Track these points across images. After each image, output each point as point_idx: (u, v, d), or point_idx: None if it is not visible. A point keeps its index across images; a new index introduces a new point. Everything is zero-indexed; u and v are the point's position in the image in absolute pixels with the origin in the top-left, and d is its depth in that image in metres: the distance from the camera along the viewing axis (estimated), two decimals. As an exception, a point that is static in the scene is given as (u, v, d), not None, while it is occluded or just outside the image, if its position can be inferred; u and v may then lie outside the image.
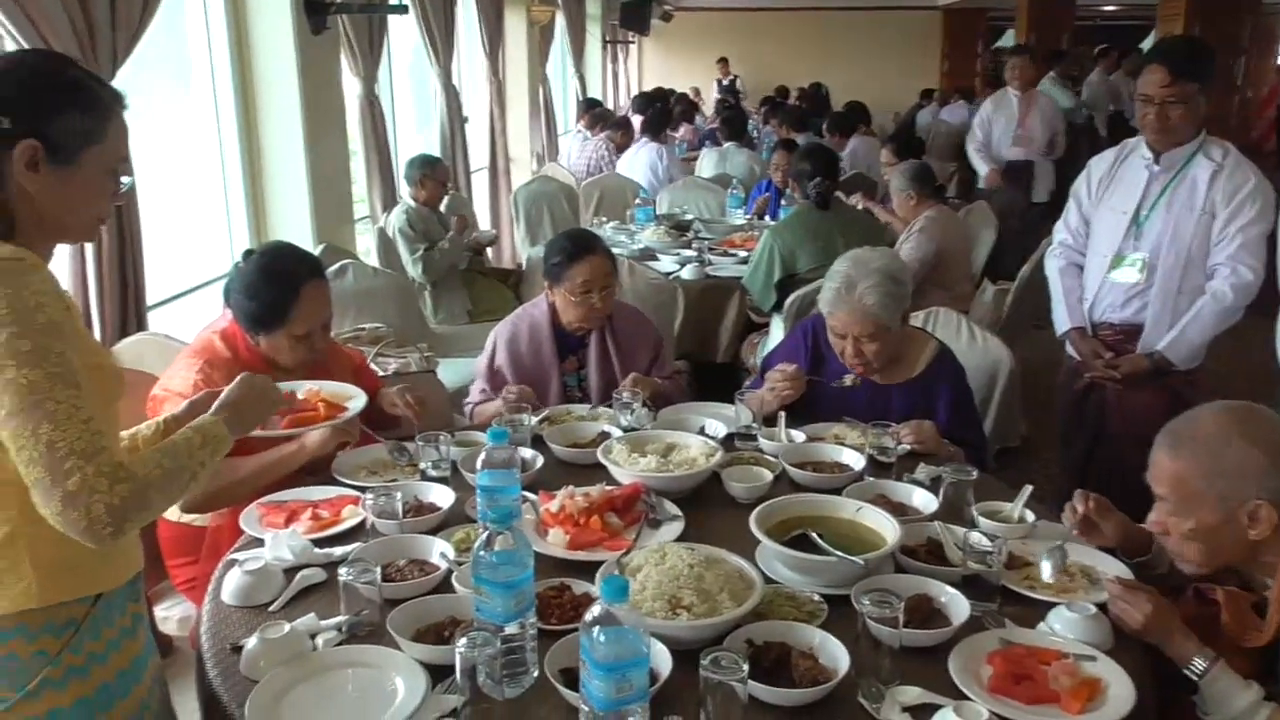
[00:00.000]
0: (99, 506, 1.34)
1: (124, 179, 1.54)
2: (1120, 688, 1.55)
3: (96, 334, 2.96)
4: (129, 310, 3.14)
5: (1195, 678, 1.65)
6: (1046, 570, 1.85)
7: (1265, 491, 1.67)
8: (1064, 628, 1.70)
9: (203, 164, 4.33)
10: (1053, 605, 1.77)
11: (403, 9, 5.20)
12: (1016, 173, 6.61)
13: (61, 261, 2.89)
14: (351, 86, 5.17)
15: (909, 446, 2.44)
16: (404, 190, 5.38)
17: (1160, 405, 2.83)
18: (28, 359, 1.32)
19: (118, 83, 2.76)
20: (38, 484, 1.34)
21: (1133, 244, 2.98)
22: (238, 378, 1.81)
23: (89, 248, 2.90)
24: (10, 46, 2.58)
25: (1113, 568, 1.90)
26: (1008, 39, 17.17)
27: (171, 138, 4.34)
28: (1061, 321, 3.18)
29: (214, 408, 1.71)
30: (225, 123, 4.26)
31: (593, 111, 8.91)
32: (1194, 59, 2.88)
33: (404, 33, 6.68)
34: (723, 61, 15.65)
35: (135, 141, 2.94)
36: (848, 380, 2.65)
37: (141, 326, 3.21)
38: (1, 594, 1.42)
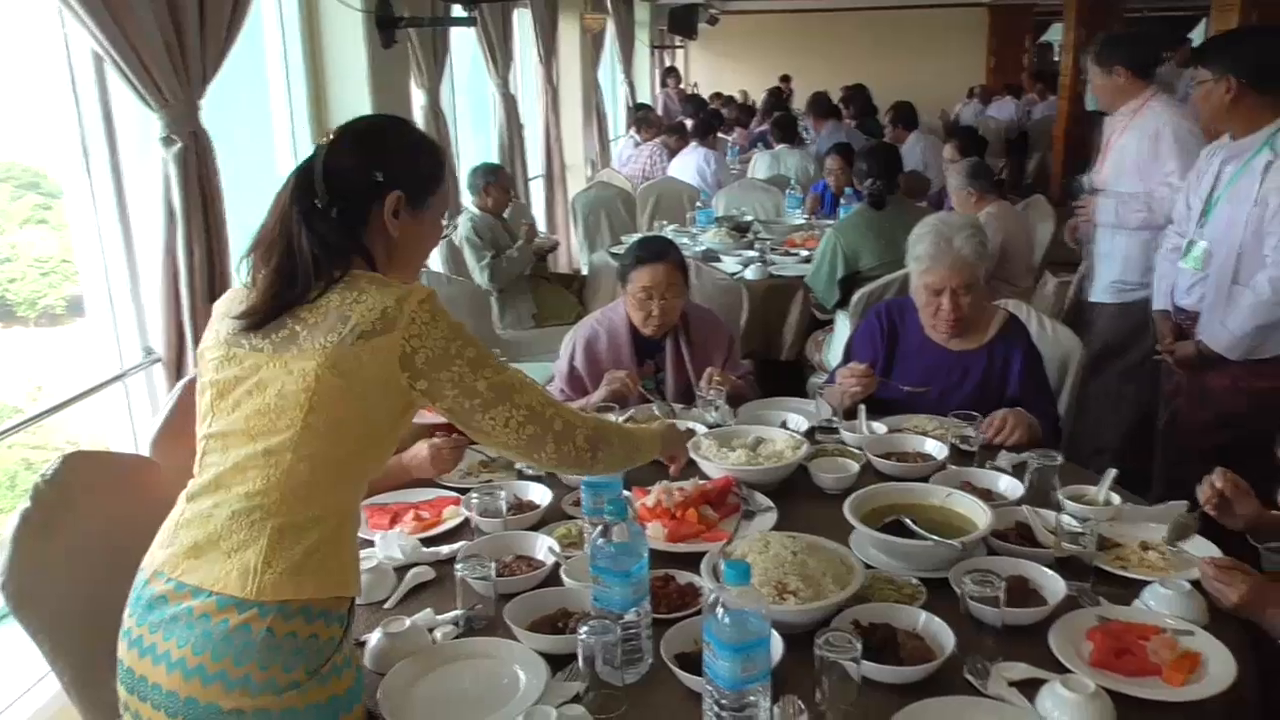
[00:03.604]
0: (580, 436, 1.66)
1: (444, 219, 1.73)
2: (1219, 661, 1.59)
3: (188, 345, 3.06)
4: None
5: None
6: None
7: None
8: (1159, 604, 1.75)
9: (278, 177, 4.46)
10: (1146, 583, 1.81)
11: (470, 21, 5.30)
12: None
13: (154, 272, 3.03)
14: (416, 98, 5.29)
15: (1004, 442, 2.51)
16: (465, 198, 5.47)
17: (1220, 392, 2.93)
18: (478, 362, 1.56)
19: (208, 99, 3.01)
20: (532, 440, 1.61)
21: (1197, 231, 3.01)
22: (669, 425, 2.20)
23: (181, 262, 3.00)
24: (109, 64, 2.72)
25: (1202, 549, 1.94)
26: (1054, 33, 16.99)
27: (250, 151, 4.47)
28: (1154, 302, 3.32)
29: (660, 431, 2.04)
30: (300, 136, 4.39)
31: (644, 116, 8.97)
32: (1221, 49, 2.97)
33: (461, 44, 6.81)
34: (785, 79, 15.17)
35: (221, 155, 3.03)
36: (920, 388, 2.75)
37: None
38: (325, 579, 1.49)
